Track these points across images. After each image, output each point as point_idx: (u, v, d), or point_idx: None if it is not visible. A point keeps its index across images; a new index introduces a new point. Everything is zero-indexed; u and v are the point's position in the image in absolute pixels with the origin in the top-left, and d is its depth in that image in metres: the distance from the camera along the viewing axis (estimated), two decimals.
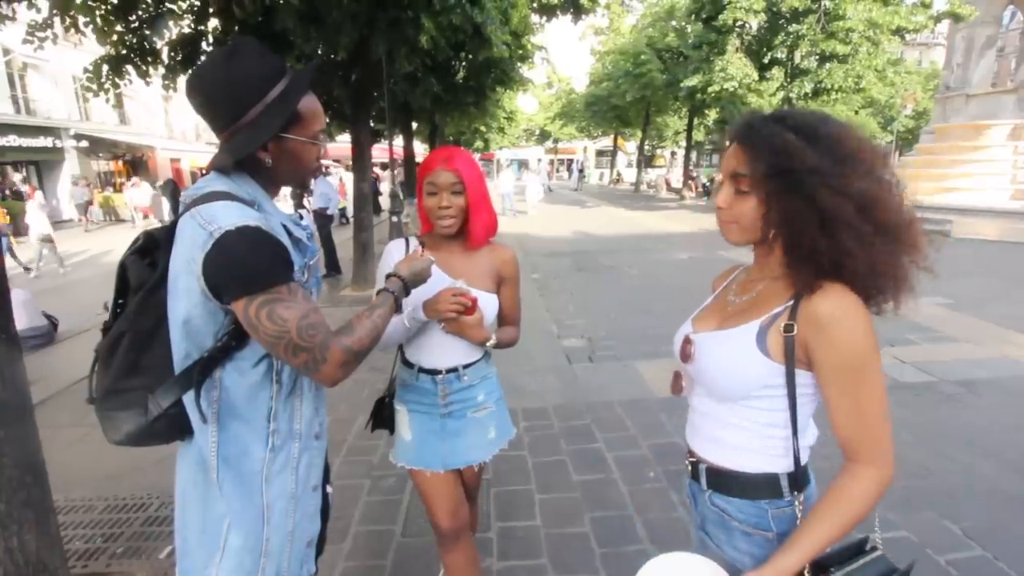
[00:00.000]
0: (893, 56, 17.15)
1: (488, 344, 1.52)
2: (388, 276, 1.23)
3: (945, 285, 6.68)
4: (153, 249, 1.05)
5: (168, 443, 1.09)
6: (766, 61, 16.84)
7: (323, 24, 5.07)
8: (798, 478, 0.94)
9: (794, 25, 15.68)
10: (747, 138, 0.90)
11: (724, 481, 0.99)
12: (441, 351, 1.54)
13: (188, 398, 1.01)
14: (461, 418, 1.59)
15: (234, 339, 0.99)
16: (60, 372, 4.43)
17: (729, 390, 0.94)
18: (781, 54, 16.63)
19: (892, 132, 36.23)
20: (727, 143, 0.95)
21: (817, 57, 16.02)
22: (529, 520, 2.47)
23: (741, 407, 0.94)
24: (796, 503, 0.94)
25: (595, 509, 2.52)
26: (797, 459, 0.93)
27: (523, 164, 42.47)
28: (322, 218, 8.56)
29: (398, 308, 1.18)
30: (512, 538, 2.35)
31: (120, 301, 1.08)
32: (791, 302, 0.88)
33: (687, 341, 1.03)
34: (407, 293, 1.23)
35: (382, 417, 1.68)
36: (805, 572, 0.86)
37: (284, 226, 1.05)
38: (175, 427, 1.05)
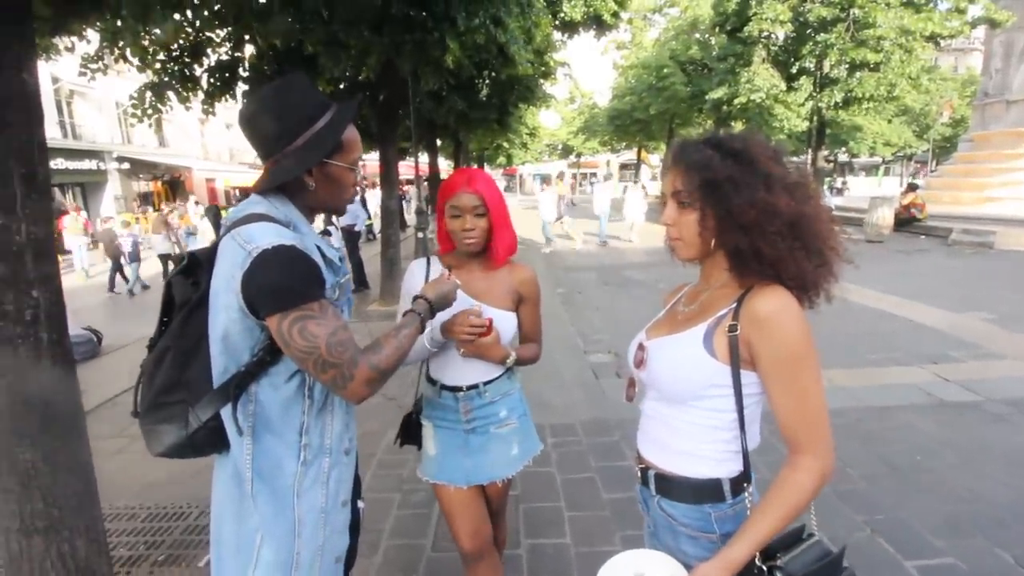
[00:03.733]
0: (927, 63, 16.77)
1: (508, 362, 1.54)
2: (415, 298, 1.28)
3: (988, 299, 6.45)
4: (197, 269, 1.11)
5: (207, 456, 1.14)
6: (794, 71, 16.66)
7: (350, 48, 5.25)
8: (742, 479, 1.01)
9: (822, 34, 15.50)
10: (681, 158, 1.01)
11: (670, 487, 1.05)
12: (461, 368, 1.57)
13: (226, 411, 1.06)
14: (484, 434, 1.61)
15: (269, 354, 1.04)
16: (103, 385, 4.62)
17: (678, 391, 1.01)
18: (809, 64, 16.43)
19: (928, 140, 35.27)
20: (666, 166, 1.06)
21: (847, 66, 15.76)
22: (559, 538, 2.46)
23: (689, 408, 1.00)
24: (747, 499, 1.00)
25: (626, 528, 2.50)
26: (746, 458, 0.99)
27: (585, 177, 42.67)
28: (349, 235, 8.78)
29: (423, 329, 1.22)
30: (542, 555, 2.34)
31: (165, 319, 1.14)
32: (734, 304, 0.97)
33: (640, 348, 1.11)
34: (433, 315, 1.28)
35: (410, 433, 1.72)
36: (757, 561, 0.92)
37: (317, 247, 1.11)
38: (214, 440, 1.09)
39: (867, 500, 2.67)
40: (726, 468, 1.01)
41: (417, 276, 1.59)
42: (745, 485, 1.02)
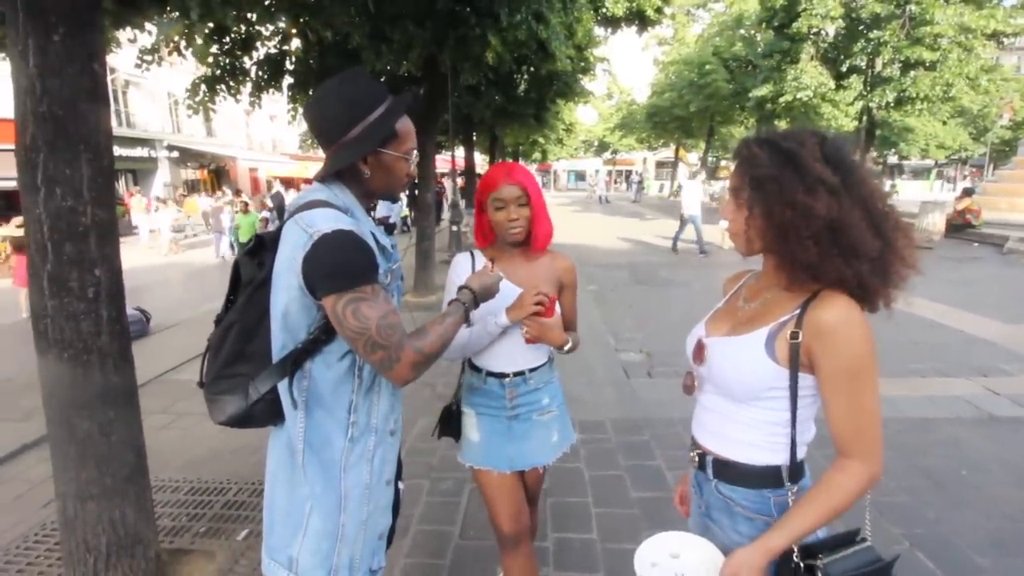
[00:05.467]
0: (988, 62, 15.86)
1: (565, 348, 1.57)
2: (460, 288, 1.31)
3: None
4: (262, 250, 1.17)
5: (263, 427, 1.20)
6: (843, 69, 16.02)
7: (392, 42, 5.33)
8: (795, 470, 1.04)
9: (875, 31, 14.84)
10: (736, 155, 1.03)
11: (730, 471, 1.08)
12: (509, 355, 1.60)
13: (283, 386, 1.12)
14: (527, 421, 1.64)
15: (324, 333, 1.09)
16: (150, 363, 4.83)
17: (739, 391, 1.04)
18: (860, 62, 15.78)
19: (986, 144, 33.42)
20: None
21: (900, 64, 15.06)
22: (585, 533, 2.46)
23: (748, 406, 1.04)
24: (789, 493, 1.03)
25: (654, 527, 2.46)
26: (794, 454, 1.03)
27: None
28: (384, 226, 8.94)
29: (467, 318, 1.25)
30: (569, 549, 2.35)
31: (231, 296, 1.21)
32: (797, 311, 0.97)
33: (700, 345, 1.12)
34: (476, 305, 1.31)
35: (449, 424, 1.75)
36: (795, 557, 0.95)
37: (372, 234, 1.15)
38: (271, 412, 1.16)
39: (907, 513, 2.57)
40: (784, 456, 1.04)
41: (462, 269, 1.63)
42: (797, 477, 1.04)
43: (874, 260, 0.94)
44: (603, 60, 11.32)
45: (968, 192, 13.52)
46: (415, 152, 1.23)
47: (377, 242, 1.16)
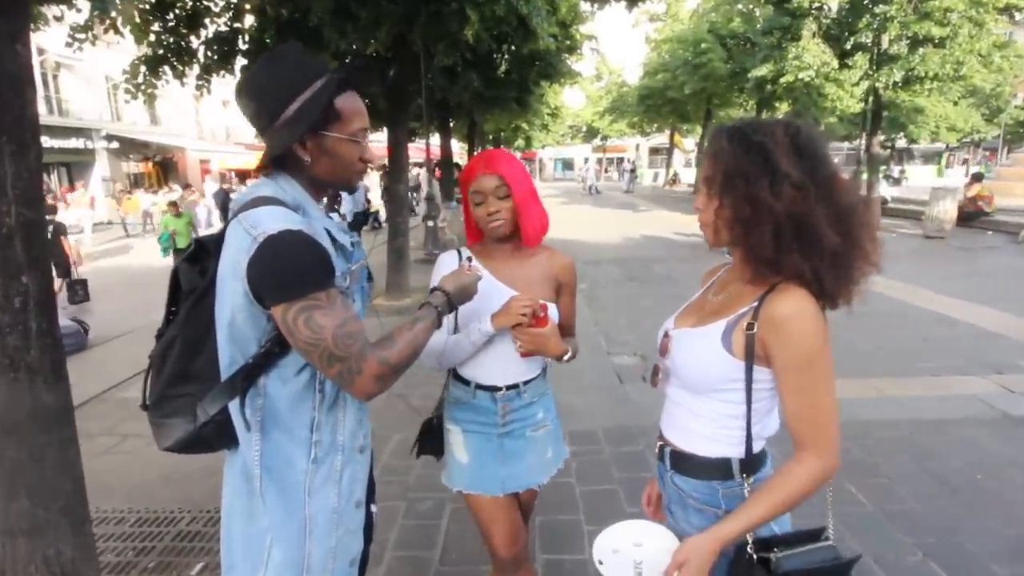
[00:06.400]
0: (1000, 38, 16.27)
1: (565, 358, 1.54)
2: (432, 290, 1.29)
3: None
4: (203, 256, 1.15)
5: (216, 451, 1.18)
6: (848, 47, 16.29)
7: (358, 19, 5.29)
8: (749, 463, 1.12)
9: (881, 6, 15.11)
10: (710, 146, 1.10)
11: (683, 463, 1.19)
12: (502, 366, 1.58)
13: (233, 406, 1.10)
14: (520, 438, 1.63)
15: (277, 345, 1.07)
16: (90, 380, 4.74)
17: (697, 382, 1.13)
18: (866, 39, 16.04)
19: (999, 125, 34.31)
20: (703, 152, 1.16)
21: (908, 41, 15.37)
22: (577, 554, 2.47)
23: (707, 398, 1.12)
24: (745, 484, 1.11)
25: None
26: (749, 446, 1.11)
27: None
28: (353, 221, 8.87)
29: (439, 324, 1.23)
30: (560, 572, 2.36)
31: (172, 308, 1.19)
32: (755, 303, 1.06)
33: (666, 336, 1.23)
34: (451, 309, 1.29)
35: (430, 441, 1.73)
36: (748, 548, 1.04)
37: (328, 231, 1.14)
38: (223, 435, 1.14)
39: (919, 521, 2.63)
40: (736, 450, 1.13)
41: (449, 269, 1.56)
42: (753, 470, 1.13)
43: (835, 255, 1.01)
44: (590, 38, 11.36)
45: (978, 177, 13.86)
46: (366, 133, 1.20)
47: (334, 240, 1.14)
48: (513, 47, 8.00)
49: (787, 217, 0.99)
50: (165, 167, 24.99)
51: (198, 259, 1.16)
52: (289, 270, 1.01)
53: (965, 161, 40.80)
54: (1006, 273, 8.41)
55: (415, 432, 1.78)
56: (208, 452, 1.18)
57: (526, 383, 1.61)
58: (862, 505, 2.76)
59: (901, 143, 39.40)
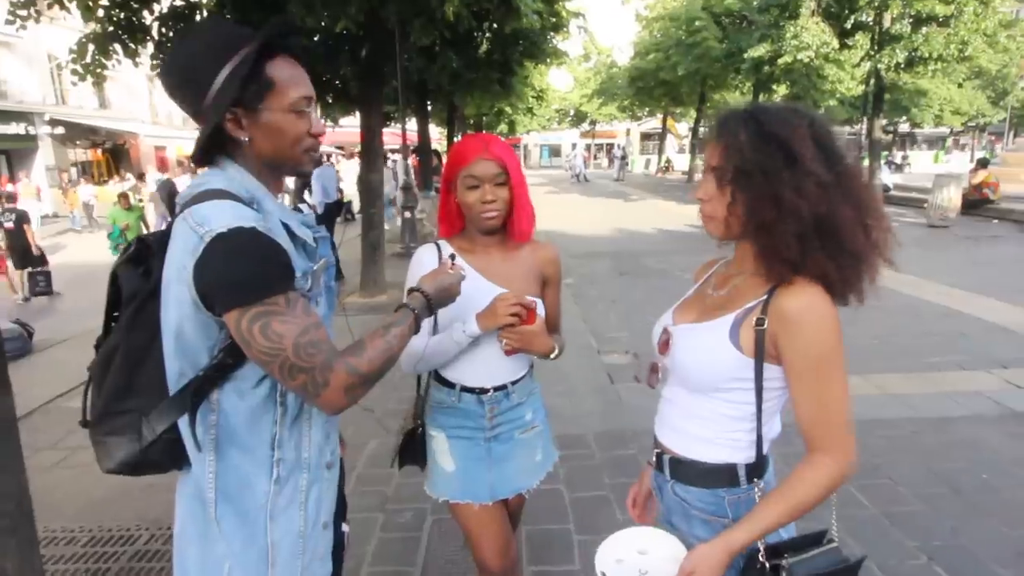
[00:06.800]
0: (1007, 16, 16.61)
1: (552, 355, 1.57)
2: (410, 291, 1.25)
3: None
4: (147, 257, 1.09)
5: (166, 472, 1.14)
6: (848, 26, 16.51)
7: None
8: (758, 467, 1.13)
9: None
10: (719, 133, 1.08)
11: (685, 471, 1.18)
12: (487, 367, 1.58)
13: (183, 423, 1.05)
14: (508, 441, 1.64)
15: (231, 356, 1.02)
16: (35, 388, 4.65)
17: (701, 381, 1.13)
18: (867, 17, 16.28)
19: (1005, 108, 35.07)
20: (709, 136, 1.13)
21: (911, 20, 15.63)
22: (567, 564, 2.49)
23: (710, 398, 1.12)
24: (756, 489, 1.12)
25: None
26: (760, 448, 1.11)
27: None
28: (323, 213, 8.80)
29: (417, 328, 1.20)
30: None
31: (112, 315, 1.13)
32: (764, 297, 1.06)
33: (665, 332, 1.21)
34: (431, 312, 1.25)
35: (411, 451, 1.72)
36: (760, 556, 1.05)
37: (286, 226, 1.09)
38: (173, 454, 1.09)
39: (923, 524, 2.70)
40: (743, 455, 1.13)
41: (427, 266, 1.52)
42: (759, 474, 1.13)
43: (857, 253, 1.02)
44: (578, 15, 11.33)
45: (983, 163, 14.17)
46: (310, 103, 1.12)
47: (293, 236, 1.09)
48: (495, 25, 7.96)
49: (812, 217, 0.99)
50: (116, 155, 24.51)
51: (141, 260, 1.10)
52: (241, 272, 0.96)
53: (963, 146, 41.56)
54: (1012, 264, 8.61)
55: (393, 436, 1.77)
56: (157, 473, 1.14)
57: (514, 383, 1.62)
58: (864, 507, 2.82)
59: (904, 127, 40.08)
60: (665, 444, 1.22)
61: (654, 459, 1.26)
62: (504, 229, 1.58)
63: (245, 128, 1.07)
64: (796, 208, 0.99)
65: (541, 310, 1.56)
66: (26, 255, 8.49)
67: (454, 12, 5.10)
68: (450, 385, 1.61)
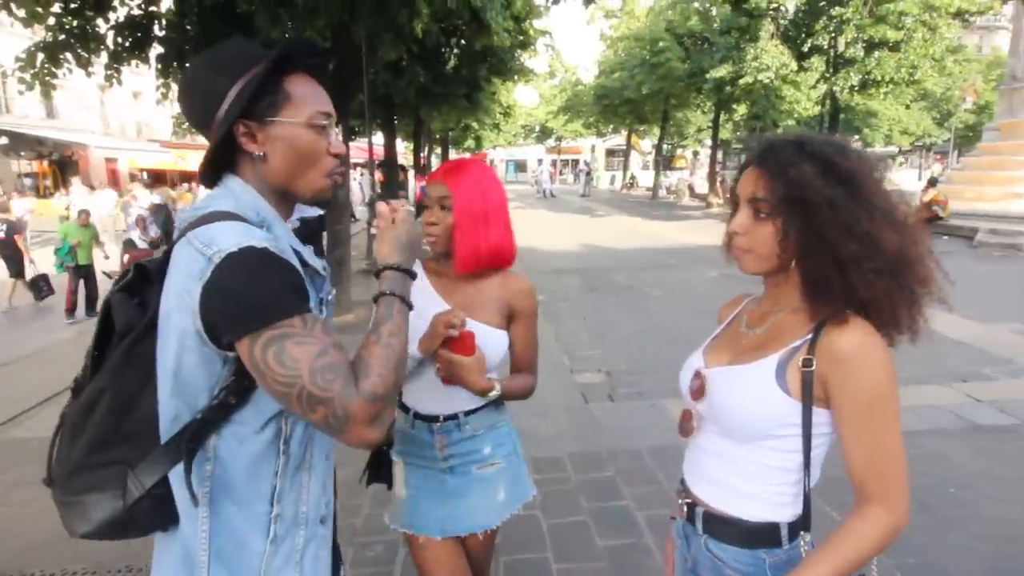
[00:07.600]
0: (952, 42, 17.54)
1: (490, 395, 1.48)
2: (379, 271, 1.10)
3: (1021, 308, 6.75)
4: (144, 285, 0.99)
5: (147, 534, 1.02)
6: (805, 49, 17.21)
7: (294, 6, 5.17)
8: (805, 519, 1.06)
9: (837, 8, 16.07)
10: (767, 162, 1.02)
11: (721, 528, 1.10)
12: (440, 394, 1.52)
13: (176, 474, 0.95)
14: (464, 475, 1.57)
15: (234, 395, 0.94)
16: None
17: (746, 428, 1.04)
18: (823, 41, 17.01)
19: (949, 129, 36.92)
20: (745, 166, 1.08)
21: (864, 44, 16.38)
22: None
23: (755, 447, 1.05)
24: (802, 543, 1.05)
25: None
26: (807, 500, 1.05)
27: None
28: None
29: (409, 306, 1.07)
30: None
31: (97, 352, 1.01)
32: (810, 335, 0.99)
33: (698, 376, 1.13)
34: (412, 276, 1.11)
35: (379, 469, 1.65)
36: None
37: (297, 252, 1.01)
38: (159, 513, 0.98)
39: (895, 541, 2.72)
40: (787, 512, 1.06)
41: None
42: (806, 527, 1.06)
43: (914, 289, 0.99)
44: (545, 33, 11.52)
45: (933, 182, 14.84)
46: (331, 120, 1.06)
47: (305, 264, 1.01)
48: (464, 41, 8.01)
49: (890, 256, 0.96)
50: (63, 166, 23.61)
51: (137, 289, 0.99)
52: (252, 294, 0.88)
53: (902, 164, 43.61)
54: (963, 279, 8.77)
55: (366, 461, 1.69)
56: (138, 535, 1.01)
57: (468, 414, 1.54)
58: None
59: (856, 147, 41.81)
60: (699, 496, 1.14)
61: (684, 509, 1.18)
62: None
63: (259, 142, 1.01)
64: (877, 241, 0.95)
65: (500, 343, 1.52)
66: (19, 265, 8.61)
67: (423, 28, 5.10)
68: (406, 410, 1.58)
